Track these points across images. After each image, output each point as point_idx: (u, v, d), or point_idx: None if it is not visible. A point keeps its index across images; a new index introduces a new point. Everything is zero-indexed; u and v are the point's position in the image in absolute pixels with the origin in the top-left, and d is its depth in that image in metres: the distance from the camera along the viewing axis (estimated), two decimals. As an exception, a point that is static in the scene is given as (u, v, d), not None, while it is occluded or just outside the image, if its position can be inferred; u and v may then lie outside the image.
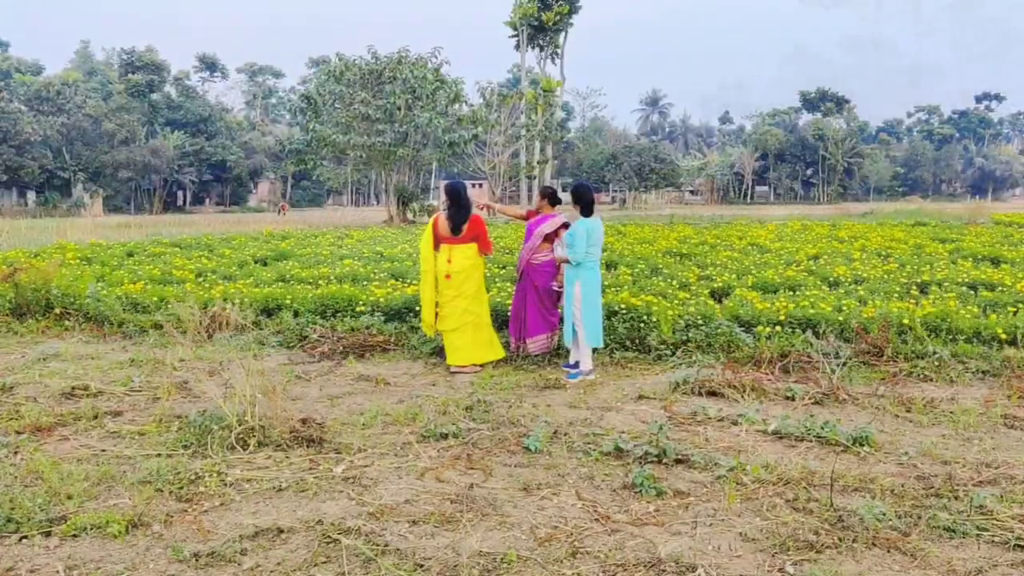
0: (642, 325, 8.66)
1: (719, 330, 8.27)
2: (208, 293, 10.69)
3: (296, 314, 9.99)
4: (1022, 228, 25.79)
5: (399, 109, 35.27)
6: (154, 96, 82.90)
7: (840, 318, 8.66)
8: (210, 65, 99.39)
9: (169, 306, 10.15)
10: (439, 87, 36.65)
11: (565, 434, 5.61)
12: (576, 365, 7.80)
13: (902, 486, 4.62)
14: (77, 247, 19.38)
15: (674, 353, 8.10)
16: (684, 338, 8.26)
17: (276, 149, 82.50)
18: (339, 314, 9.85)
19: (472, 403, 6.38)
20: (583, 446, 5.33)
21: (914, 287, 11.60)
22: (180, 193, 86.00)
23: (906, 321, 8.30)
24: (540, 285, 8.02)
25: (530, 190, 51.89)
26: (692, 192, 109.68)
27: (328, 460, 5.18)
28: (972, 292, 11.03)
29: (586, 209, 7.68)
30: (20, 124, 62.92)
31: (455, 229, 7.84)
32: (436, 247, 7.99)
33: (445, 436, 5.60)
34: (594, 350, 7.76)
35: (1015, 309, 9.33)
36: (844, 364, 7.45)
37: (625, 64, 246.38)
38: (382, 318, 9.49)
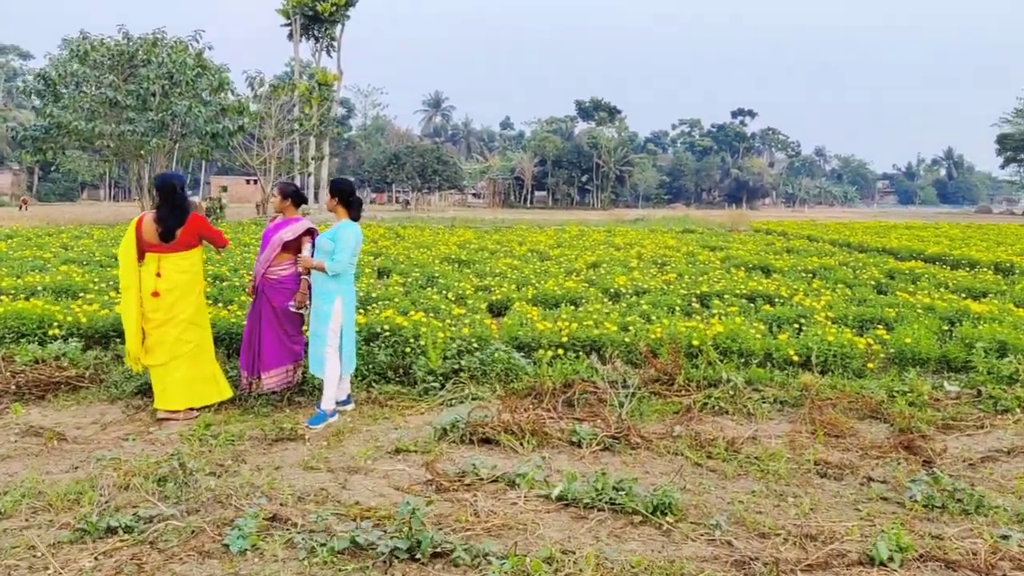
0: (407, 351, 7.34)
1: (495, 356, 7.10)
2: None
3: (-33, 339, 7.79)
4: (780, 236, 27.08)
5: (154, 96, 31.81)
6: None
7: (627, 339, 7.77)
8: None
9: None
10: (201, 73, 33.51)
11: (287, 520, 4.14)
12: (347, 400, 6.40)
13: (721, 581, 3.58)
14: None
15: (444, 385, 6.83)
16: (456, 366, 7.01)
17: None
18: (26, 339, 7.75)
19: (169, 471, 4.75)
20: (310, 539, 3.88)
21: (694, 299, 11.10)
22: (-102, 183, 74.80)
23: (696, 342, 7.53)
24: (279, 305, 6.47)
25: (304, 187, 49.29)
26: (475, 195, 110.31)
27: (-90, 589, 3.42)
28: (751, 305, 10.66)
29: (354, 211, 6.26)
30: None
31: (166, 235, 6.12)
32: (141, 257, 6.23)
33: (113, 531, 3.96)
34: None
35: (799, 326, 8.90)
36: (633, 395, 6.52)
37: (408, 63, 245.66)
38: (80, 345, 7.53)
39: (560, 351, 7.52)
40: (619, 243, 21.80)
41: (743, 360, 7.47)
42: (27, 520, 4.14)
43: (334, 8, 47.55)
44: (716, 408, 6.43)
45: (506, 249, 19.46)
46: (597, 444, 5.50)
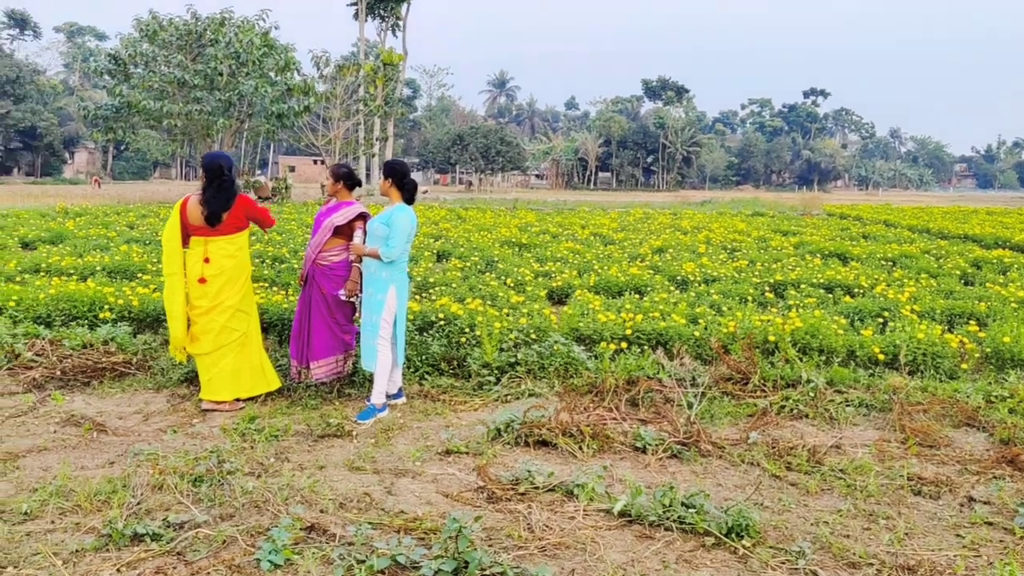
0: (463, 341, 6.99)
1: (555, 349, 6.70)
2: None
3: (21, 321, 7.70)
4: (856, 221, 26.03)
5: (220, 75, 32.04)
6: (-50, 51, 74.17)
7: (696, 333, 7.28)
8: (20, 22, 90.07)
9: None
10: (267, 53, 33.63)
11: (326, 531, 3.82)
12: (398, 393, 6.08)
13: (807, 624, 3.14)
14: None
15: (499, 380, 6.46)
16: (512, 359, 6.63)
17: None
18: (76, 321, 7.62)
19: (206, 470, 4.47)
20: (348, 554, 3.56)
21: (768, 288, 10.53)
22: (-17, 160, 77.45)
23: (772, 338, 7.01)
24: (329, 292, 6.17)
25: (368, 168, 49.48)
26: (538, 176, 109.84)
27: (-80, 601, 3.19)
28: (829, 295, 10.06)
29: (408, 194, 5.91)
30: None
31: (212, 218, 5.85)
32: (186, 241, 5.98)
33: (140, 538, 3.69)
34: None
35: (883, 320, 8.29)
36: (703, 395, 6.06)
37: (474, 43, 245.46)
38: (130, 329, 7.36)
39: (623, 344, 7.09)
40: (686, 227, 21.16)
41: (824, 358, 6.92)
42: (52, 523, 3.90)
43: (400, -14, 47.35)
44: (795, 411, 5.92)
45: (568, 232, 19.01)
46: (664, 450, 5.07)
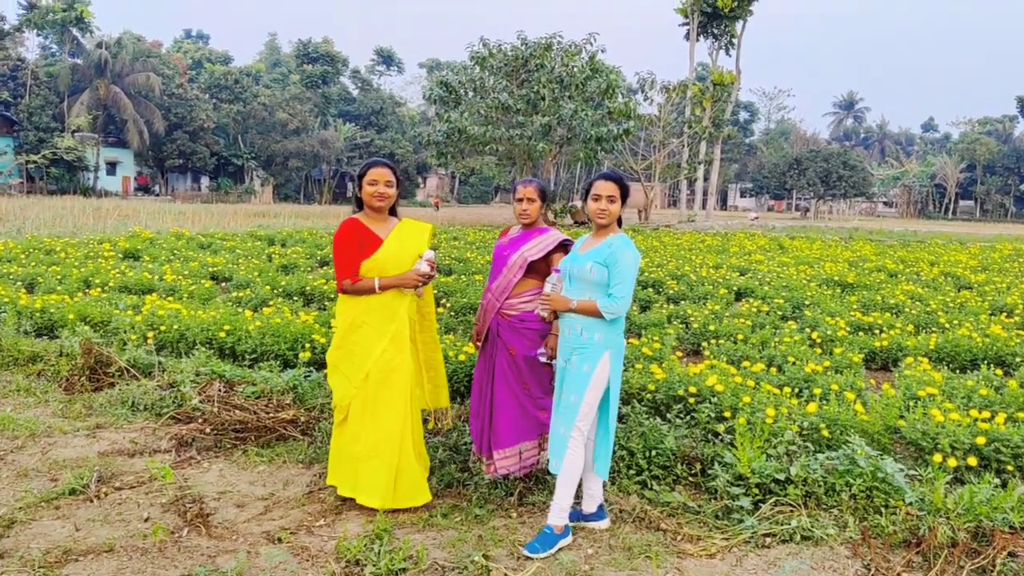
0: (720, 430, 4.90)
1: (853, 465, 4.36)
2: (134, 315, 7.73)
3: (229, 354, 6.91)
4: None
5: (543, 99, 31.90)
6: (330, 88, 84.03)
7: (1103, 453, 4.52)
8: (386, 58, 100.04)
9: (76, 331, 7.35)
10: (591, 76, 32.92)
11: None
12: (598, 512, 4.18)
13: None
14: (143, 235, 17.46)
15: (758, 506, 4.27)
16: (782, 472, 4.39)
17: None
18: (269, 362, 6.59)
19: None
20: None
21: None
22: (350, 184, 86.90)
23: None
24: (520, 353, 4.44)
25: (692, 192, 47.35)
26: (886, 204, 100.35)
27: None
28: None
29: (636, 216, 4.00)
30: (196, 111, 64.69)
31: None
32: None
33: None
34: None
35: None
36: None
37: (818, 63, 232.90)
38: (321, 375, 6.18)
39: (971, 461, 4.54)
40: (1074, 269, 16.68)
41: None
42: None
43: (736, 3, 44.71)
44: None
45: (911, 270, 15.66)
46: None
